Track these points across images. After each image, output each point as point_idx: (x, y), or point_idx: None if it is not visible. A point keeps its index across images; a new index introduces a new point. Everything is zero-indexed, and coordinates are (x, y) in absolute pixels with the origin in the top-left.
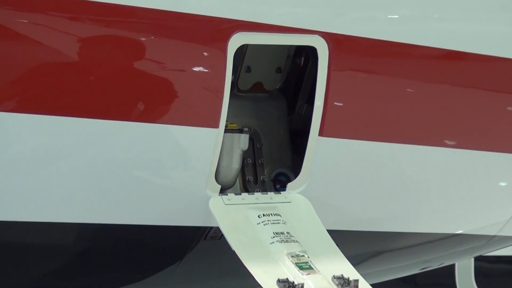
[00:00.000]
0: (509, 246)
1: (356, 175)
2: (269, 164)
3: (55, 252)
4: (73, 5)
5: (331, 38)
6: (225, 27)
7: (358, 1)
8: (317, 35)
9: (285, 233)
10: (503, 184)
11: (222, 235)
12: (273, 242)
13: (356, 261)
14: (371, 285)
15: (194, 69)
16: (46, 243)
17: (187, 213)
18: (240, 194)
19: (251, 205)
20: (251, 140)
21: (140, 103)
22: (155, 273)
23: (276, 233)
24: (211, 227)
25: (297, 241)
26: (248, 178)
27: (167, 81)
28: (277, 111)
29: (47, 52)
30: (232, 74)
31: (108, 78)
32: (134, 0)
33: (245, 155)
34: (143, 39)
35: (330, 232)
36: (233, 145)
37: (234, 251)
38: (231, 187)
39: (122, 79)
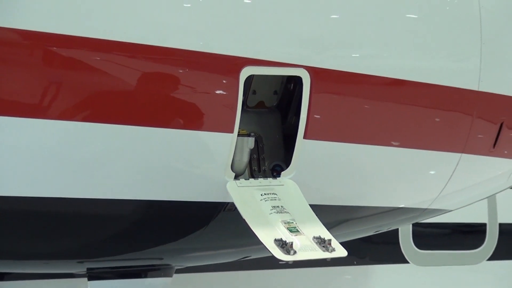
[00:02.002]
0: (435, 216)
1: (329, 165)
2: (269, 158)
3: (119, 221)
4: (136, 48)
5: (312, 70)
6: (238, 62)
7: (330, 45)
8: (302, 68)
9: (280, 206)
10: (431, 172)
11: (236, 208)
12: (271, 213)
13: (329, 226)
14: (339, 243)
15: (217, 92)
16: (116, 214)
17: (212, 192)
18: (248, 179)
19: (256, 187)
20: (256, 141)
21: (180, 116)
22: (189, 234)
23: (273, 207)
24: (228, 202)
25: (288, 212)
26: (254, 168)
27: (199, 100)
28: (274, 122)
29: (118, 84)
30: (243, 95)
31: (161, 99)
32: (179, 44)
33: (251, 152)
34: (181, 70)
35: (311, 206)
36: (243, 145)
37: (244, 219)
38: (242, 174)
39: (170, 100)
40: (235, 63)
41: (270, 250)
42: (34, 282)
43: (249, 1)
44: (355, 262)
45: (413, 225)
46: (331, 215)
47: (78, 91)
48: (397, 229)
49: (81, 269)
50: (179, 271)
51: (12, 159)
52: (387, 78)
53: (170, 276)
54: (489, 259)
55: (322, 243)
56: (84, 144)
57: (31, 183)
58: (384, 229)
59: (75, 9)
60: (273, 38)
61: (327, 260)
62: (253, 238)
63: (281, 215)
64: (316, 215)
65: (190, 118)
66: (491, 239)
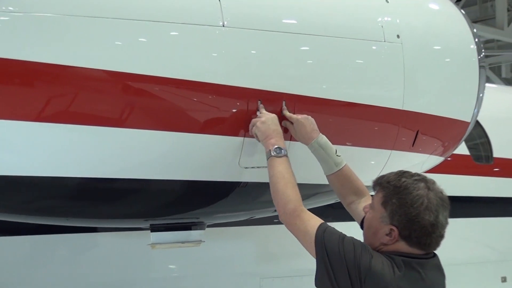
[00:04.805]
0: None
1: (306, 157)
2: None
3: (172, 194)
4: (177, 82)
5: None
6: (248, 91)
7: (304, 80)
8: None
9: None
10: (372, 162)
11: (247, 184)
12: None
13: (307, 196)
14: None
15: (233, 110)
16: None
17: (231, 174)
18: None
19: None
20: None
21: (213, 126)
22: (216, 202)
23: None
24: (241, 181)
25: None
26: None
27: (225, 116)
28: None
29: (177, 106)
30: None
31: (203, 115)
32: (214, 80)
33: None
34: (212, 97)
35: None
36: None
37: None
38: None
39: (208, 115)
40: (246, 92)
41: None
42: (112, 233)
43: (255, 52)
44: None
45: None
46: (309, 190)
47: (153, 110)
48: None
49: (146, 224)
50: (209, 226)
51: (109, 156)
52: (343, 101)
53: (203, 229)
54: None
55: None
56: (158, 146)
57: (120, 169)
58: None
59: (146, 58)
60: (269, 76)
61: None
62: (257, 205)
63: None
64: (299, 189)
65: (219, 127)
66: None
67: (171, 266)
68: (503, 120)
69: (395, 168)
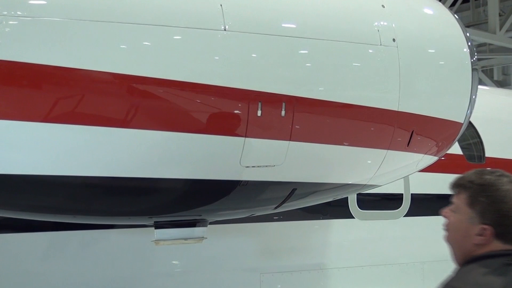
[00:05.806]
0: (372, 189)
1: (305, 156)
2: None
3: (175, 192)
4: (181, 84)
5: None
6: (249, 93)
7: (304, 83)
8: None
9: None
10: (369, 162)
11: (248, 182)
12: None
13: (307, 194)
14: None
15: (235, 112)
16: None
17: (233, 173)
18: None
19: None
20: None
21: (214, 126)
22: (217, 200)
23: None
24: (242, 180)
25: None
26: None
27: (227, 116)
28: None
29: (183, 108)
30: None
31: (207, 116)
32: (215, 81)
33: None
34: (214, 98)
35: (296, 183)
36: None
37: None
38: None
39: (211, 115)
40: (247, 94)
41: None
42: (118, 230)
43: (255, 56)
44: (321, 217)
45: (357, 194)
46: (308, 188)
47: (159, 112)
48: (347, 196)
49: (151, 222)
50: (211, 223)
51: (117, 156)
52: (341, 102)
53: (206, 226)
54: (405, 216)
55: None
56: (163, 146)
57: (126, 168)
58: (340, 197)
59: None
60: (269, 78)
61: None
62: (257, 202)
63: None
64: (299, 188)
65: (221, 128)
66: (406, 203)
67: (174, 262)
68: (495, 121)
69: (390, 167)
